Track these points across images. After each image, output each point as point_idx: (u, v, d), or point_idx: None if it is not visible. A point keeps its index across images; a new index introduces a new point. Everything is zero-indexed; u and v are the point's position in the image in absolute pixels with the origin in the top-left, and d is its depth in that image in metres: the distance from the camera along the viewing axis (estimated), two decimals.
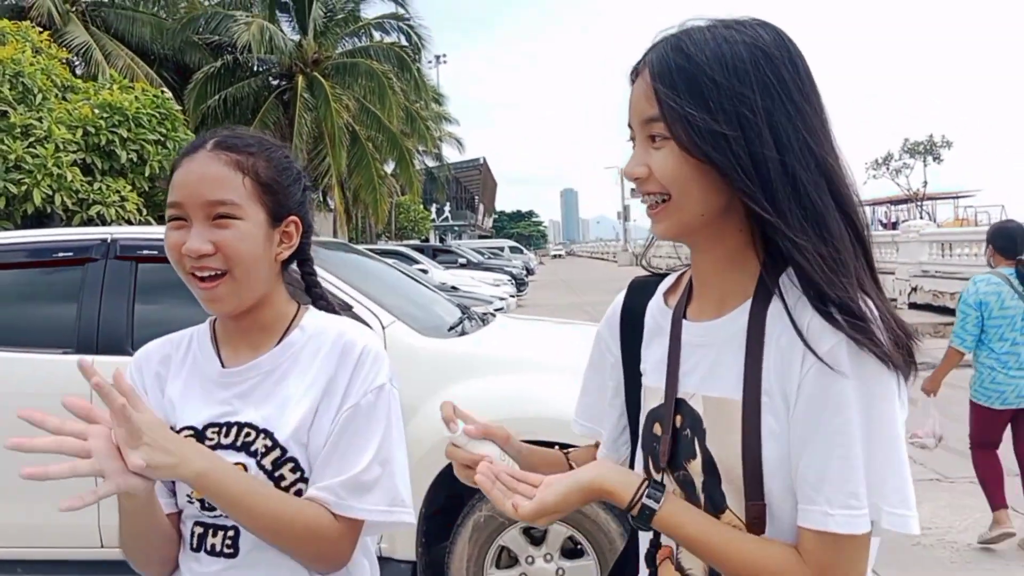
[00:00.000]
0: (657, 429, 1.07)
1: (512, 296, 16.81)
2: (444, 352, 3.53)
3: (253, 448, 1.23)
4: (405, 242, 30.60)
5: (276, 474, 1.22)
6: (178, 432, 1.24)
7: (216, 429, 1.25)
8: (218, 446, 1.23)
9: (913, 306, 17.37)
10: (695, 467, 1.02)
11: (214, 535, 1.25)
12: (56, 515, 3.70)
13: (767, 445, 0.96)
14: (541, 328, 4.90)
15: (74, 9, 19.22)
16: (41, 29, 11.64)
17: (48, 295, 3.65)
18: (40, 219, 8.63)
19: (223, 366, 1.30)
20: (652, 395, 1.11)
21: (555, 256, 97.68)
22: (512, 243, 45.73)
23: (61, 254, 3.53)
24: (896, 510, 0.91)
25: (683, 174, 0.97)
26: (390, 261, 6.09)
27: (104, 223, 8.67)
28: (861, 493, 0.90)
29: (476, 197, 68.23)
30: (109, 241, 3.55)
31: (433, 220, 49.39)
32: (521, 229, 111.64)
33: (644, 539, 1.13)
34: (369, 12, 26.36)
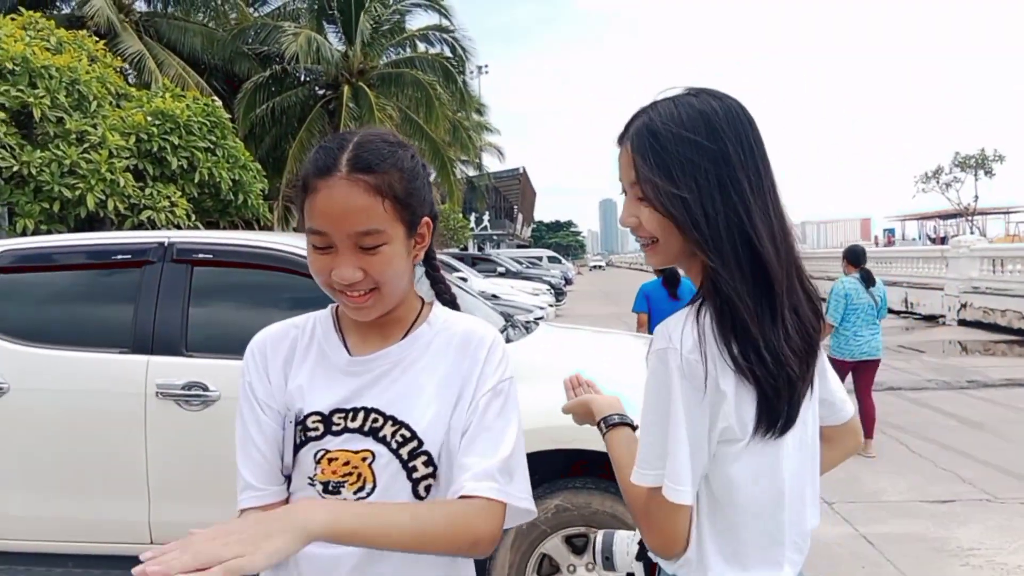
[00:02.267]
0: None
1: (551, 305, 16.77)
2: None
3: (382, 434, 1.25)
4: (445, 250, 30.76)
5: (410, 464, 1.25)
6: (305, 418, 1.26)
7: (342, 414, 1.27)
8: (345, 430, 1.26)
9: (963, 323, 16.96)
10: None
11: None
12: (108, 510, 3.76)
13: None
14: (583, 337, 4.90)
15: (128, 19, 19.72)
16: (97, 39, 11.98)
17: (107, 296, 3.75)
18: (92, 223, 8.86)
19: (350, 354, 1.32)
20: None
21: (594, 267, 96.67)
22: (551, 253, 45.66)
23: (120, 256, 3.63)
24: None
25: (663, 225, 1.27)
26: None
27: (154, 228, 8.88)
28: None
29: (515, 207, 68.28)
30: (167, 244, 3.63)
31: (472, 229, 49.55)
32: (559, 239, 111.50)
33: None
34: (414, 23, 26.64)
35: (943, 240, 34.03)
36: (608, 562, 1.50)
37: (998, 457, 6.50)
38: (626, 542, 1.48)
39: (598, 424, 1.47)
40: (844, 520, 5.04)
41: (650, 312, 6.68)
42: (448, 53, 25.83)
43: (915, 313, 18.91)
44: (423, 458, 1.25)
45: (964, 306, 17.13)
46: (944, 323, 17.37)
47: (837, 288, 6.73)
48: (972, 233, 41.17)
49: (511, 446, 1.24)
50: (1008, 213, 61.58)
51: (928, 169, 61.59)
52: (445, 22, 25.99)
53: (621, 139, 1.33)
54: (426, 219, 1.32)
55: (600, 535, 1.54)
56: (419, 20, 27.44)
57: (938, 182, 58.42)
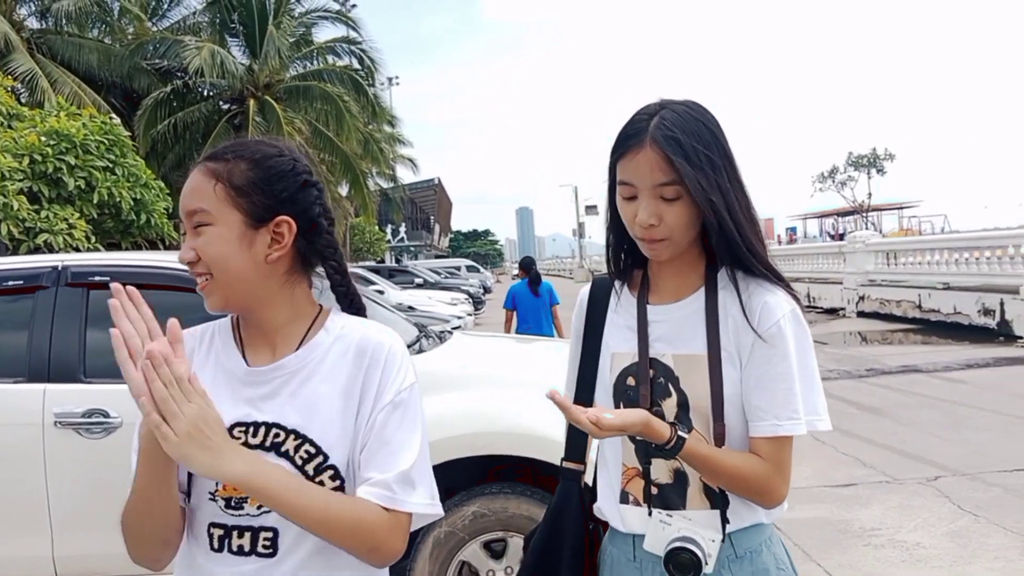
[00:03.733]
0: (631, 381, 1.48)
1: (469, 315, 16.80)
2: None
3: (284, 449, 1.24)
4: (360, 263, 30.44)
5: (316, 480, 1.23)
6: None
7: (243, 428, 1.26)
8: (246, 446, 1.23)
9: (861, 314, 17.78)
10: (670, 404, 1.44)
11: (240, 536, 1.25)
12: (8, 548, 3.59)
13: (727, 385, 1.41)
14: (498, 344, 4.95)
15: (19, 36, 18.86)
16: None
17: None
18: None
19: (247, 364, 1.31)
20: (621, 358, 1.51)
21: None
22: (469, 262, 45.67)
23: (11, 283, 3.49)
24: (819, 416, 1.42)
25: (688, 222, 1.38)
26: None
27: (52, 251, 8.52)
28: (799, 410, 1.39)
29: (432, 217, 68.09)
30: (60, 268, 3.51)
31: (389, 241, 49.15)
32: (478, 248, 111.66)
33: (618, 463, 1.52)
34: (321, 36, 26.34)
35: (841, 236, 35.57)
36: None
37: (896, 440, 6.86)
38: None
39: (670, 436, 1.33)
40: None
41: (516, 309, 8.58)
42: (357, 65, 25.62)
43: (817, 307, 19.73)
44: (329, 472, 1.24)
45: (862, 298, 17.97)
46: (844, 315, 18.18)
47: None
48: (868, 229, 43.19)
49: (412, 458, 1.24)
50: (901, 208, 64.79)
51: (824, 169, 64.37)
52: (353, 34, 25.81)
53: (635, 144, 1.37)
54: (284, 218, 1.28)
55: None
56: (326, 33, 27.15)
57: (834, 181, 61.11)
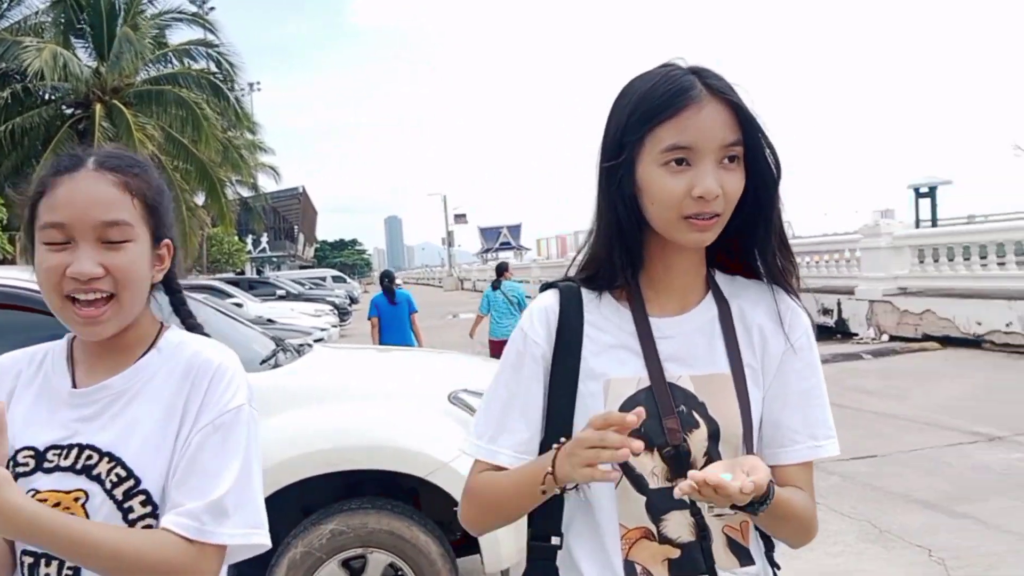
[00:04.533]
0: (641, 413, 1.10)
1: (334, 326, 16.46)
2: (255, 387, 3.44)
3: (96, 472, 1.18)
4: (218, 276, 29.23)
5: (125, 505, 1.17)
6: (16, 453, 1.19)
7: (57, 451, 1.20)
8: (57, 468, 1.18)
9: None
10: (698, 437, 1.19)
11: (47, 564, 1.18)
12: None
13: (753, 408, 1.21)
14: (359, 356, 4.88)
15: None
16: None
17: None
18: None
19: (75, 386, 1.24)
20: (621, 386, 1.21)
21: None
22: (335, 272, 44.78)
23: None
24: (834, 433, 1.26)
25: (739, 193, 1.16)
26: (199, 296, 5.82)
27: None
28: (833, 426, 1.25)
29: (296, 227, 66.24)
30: None
31: (249, 252, 47.41)
32: (344, 258, 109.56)
33: (614, 527, 1.21)
34: (176, 38, 25.14)
35: None
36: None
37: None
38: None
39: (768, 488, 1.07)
40: None
41: (380, 316, 8.97)
42: (214, 69, 24.63)
43: None
44: (140, 498, 1.18)
45: None
46: None
47: (485, 294, 9.96)
48: None
49: (227, 485, 1.16)
50: None
51: None
52: (210, 37, 24.79)
53: (692, 99, 1.12)
54: (167, 241, 1.28)
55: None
56: (182, 35, 25.88)
57: None
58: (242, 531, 1.17)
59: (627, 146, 1.16)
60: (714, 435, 1.18)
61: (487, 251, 77.69)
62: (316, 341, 9.47)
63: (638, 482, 1.18)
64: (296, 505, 3.37)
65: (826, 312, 14.72)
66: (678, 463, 1.16)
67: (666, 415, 1.17)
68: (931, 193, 24.23)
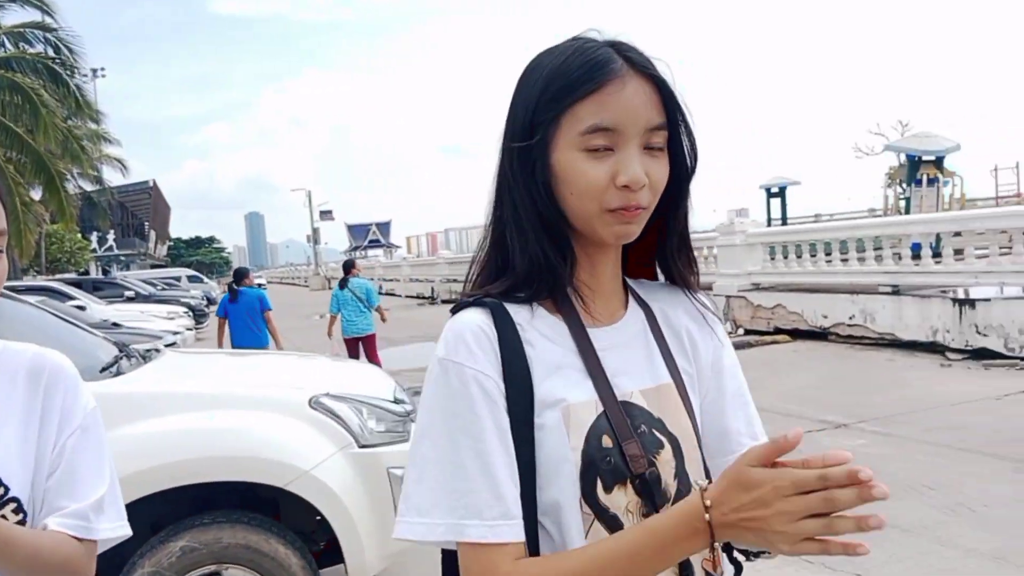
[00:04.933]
0: (608, 442, 0.98)
1: (189, 329, 15.60)
2: (95, 396, 3.16)
3: None
4: (58, 276, 27.25)
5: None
6: None
7: None
8: None
9: None
10: (665, 458, 1.02)
11: None
12: None
13: (698, 417, 1.09)
14: (214, 361, 4.61)
15: None
16: None
17: None
18: None
19: None
20: (580, 412, 0.99)
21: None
22: (191, 272, 42.71)
23: None
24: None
25: (664, 184, 1.02)
26: (33, 300, 5.35)
27: None
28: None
29: (146, 223, 62.52)
30: None
31: (94, 250, 44.48)
32: (202, 256, 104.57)
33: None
34: (8, 19, 23.18)
35: None
36: None
37: None
38: None
39: None
40: None
41: (227, 315, 8.97)
42: (52, 53, 22.89)
43: None
44: (12, 505, 1.14)
45: None
46: None
47: (334, 290, 10.00)
48: None
49: (105, 483, 1.20)
50: None
51: None
52: (48, 20, 23.01)
53: (615, 72, 0.97)
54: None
55: None
56: (16, 17, 23.83)
57: None
58: (116, 524, 1.21)
59: (540, 127, 0.99)
60: (677, 453, 1.04)
61: (356, 248, 76.40)
62: (168, 346, 8.97)
63: (612, 523, 0.99)
64: (144, 522, 3.12)
65: None
66: (648, 493, 1.00)
67: (625, 440, 0.99)
68: (781, 193, 25.58)
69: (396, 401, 3.72)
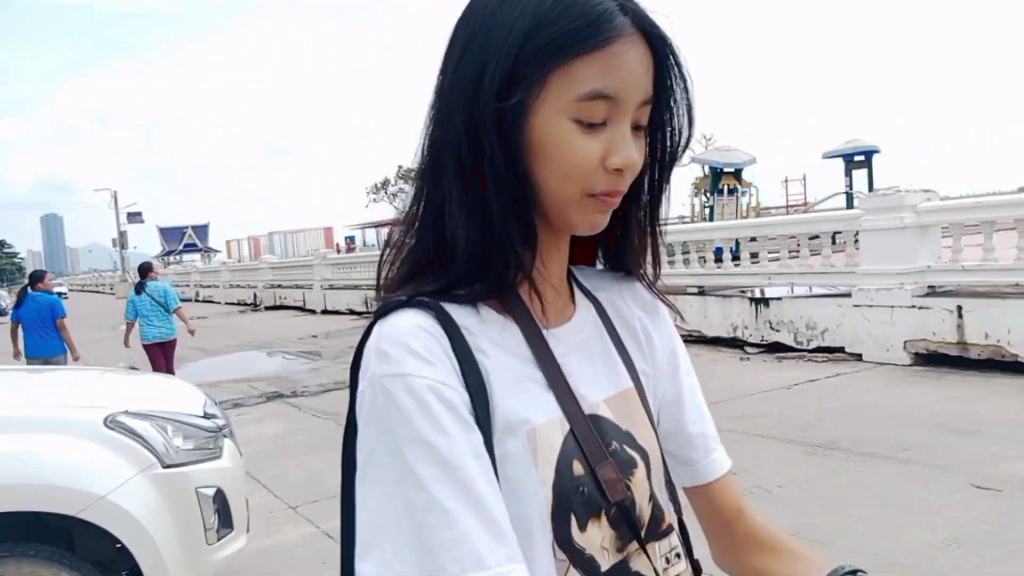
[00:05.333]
0: (579, 468, 0.80)
1: None
2: None
3: None
4: None
5: None
6: None
7: None
8: None
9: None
10: (639, 476, 0.86)
11: None
12: None
13: (656, 424, 0.94)
14: None
15: None
16: None
17: None
18: None
19: None
20: (547, 434, 0.81)
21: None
22: None
23: None
24: None
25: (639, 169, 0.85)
26: None
27: None
28: None
29: None
30: None
31: None
32: None
33: None
34: None
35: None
36: None
37: None
38: None
39: None
40: (308, 521, 5.21)
41: (22, 321, 8.50)
42: None
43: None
44: None
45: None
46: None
47: (130, 296, 9.56)
48: None
49: None
50: None
51: (377, 181, 68.20)
52: None
53: (618, 29, 0.77)
54: None
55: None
56: None
57: (387, 192, 64.99)
58: None
59: (519, 84, 0.77)
60: (648, 470, 0.89)
61: (169, 253, 71.97)
62: None
63: (589, 566, 0.82)
64: None
65: None
66: (624, 523, 0.84)
67: (599, 463, 0.82)
68: None
69: (206, 416, 3.54)
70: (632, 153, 0.80)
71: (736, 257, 11.78)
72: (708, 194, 20.15)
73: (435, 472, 0.71)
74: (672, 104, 0.85)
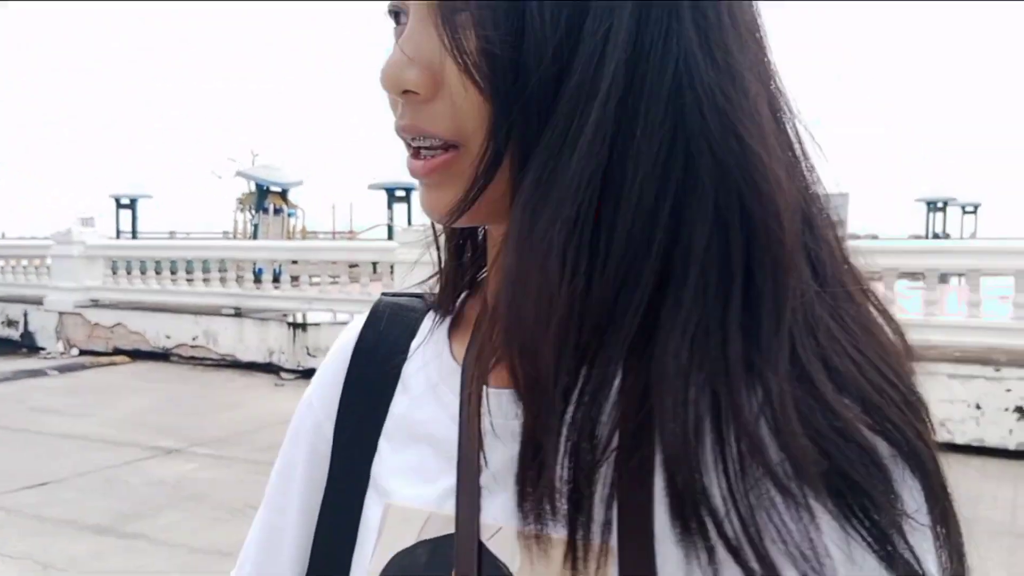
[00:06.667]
0: None
1: None
2: None
3: None
4: None
5: None
6: None
7: None
8: None
9: None
10: None
11: None
12: None
13: None
14: None
15: None
16: None
17: None
18: None
19: None
20: (405, 523, 0.55)
21: None
22: None
23: None
24: None
25: None
26: None
27: None
28: None
29: None
30: None
31: None
32: None
33: None
34: None
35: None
36: None
37: None
38: None
39: None
40: None
41: None
42: None
43: None
44: None
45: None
46: None
47: None
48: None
49: None
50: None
51: None
52: None
53: None
54: None
55: None
56: None
57: None
58: None
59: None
60: None
61: None
62: None
63: None
64: None
65: (11, 324, 13.38)
66: None
67: None
68: (132, 205, 24.62)
69: None
70: None
71: (276, 279, 11.62)
72: (253, 211, 19.69)
73: (273, 491, 0.67)
74: None
